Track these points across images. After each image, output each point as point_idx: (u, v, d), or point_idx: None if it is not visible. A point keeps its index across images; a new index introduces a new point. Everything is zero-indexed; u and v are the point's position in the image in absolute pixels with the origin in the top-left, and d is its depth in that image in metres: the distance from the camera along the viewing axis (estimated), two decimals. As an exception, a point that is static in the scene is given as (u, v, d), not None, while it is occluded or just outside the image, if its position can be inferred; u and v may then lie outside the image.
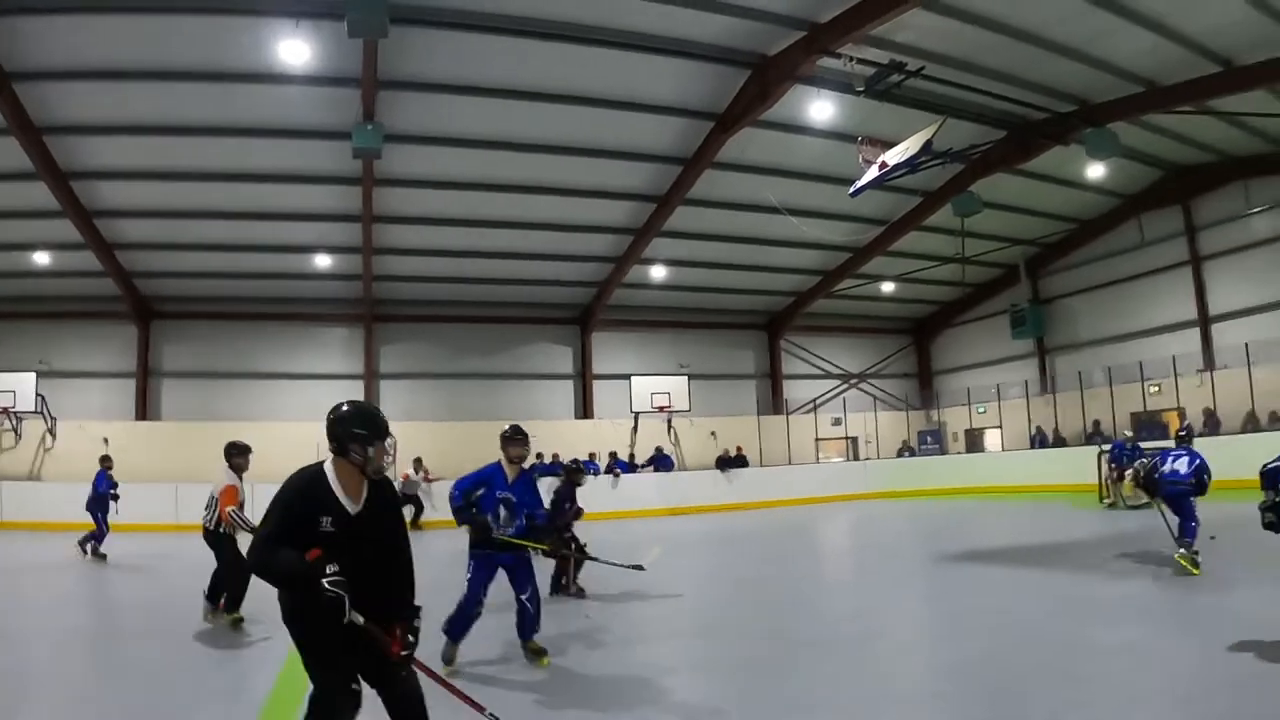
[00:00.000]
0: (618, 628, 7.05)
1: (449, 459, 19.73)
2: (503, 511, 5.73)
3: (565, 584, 8.62)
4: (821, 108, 15.47)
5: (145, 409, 20.69)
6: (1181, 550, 7.99)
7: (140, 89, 13.89)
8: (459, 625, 5.57)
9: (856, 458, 25.57)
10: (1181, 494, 8.27)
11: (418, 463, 19.15)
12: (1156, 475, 8.52)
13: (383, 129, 14.41)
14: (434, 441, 20.37)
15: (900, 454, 25.27)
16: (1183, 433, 9.15)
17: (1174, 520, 8.30)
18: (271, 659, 5.74)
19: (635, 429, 20.90)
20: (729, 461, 21.84)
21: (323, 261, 20.08)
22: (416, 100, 14.86)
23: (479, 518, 5.68)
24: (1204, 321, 20.13)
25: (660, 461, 21.14)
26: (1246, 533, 9.72)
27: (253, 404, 21.08)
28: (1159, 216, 20.96)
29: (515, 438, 5.84)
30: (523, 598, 5.72)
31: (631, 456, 21.32)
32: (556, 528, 8.02)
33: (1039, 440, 22.14)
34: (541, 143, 16.42)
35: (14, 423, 18.74)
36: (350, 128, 14.37)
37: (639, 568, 8.03)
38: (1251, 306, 19.00)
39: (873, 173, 13.54)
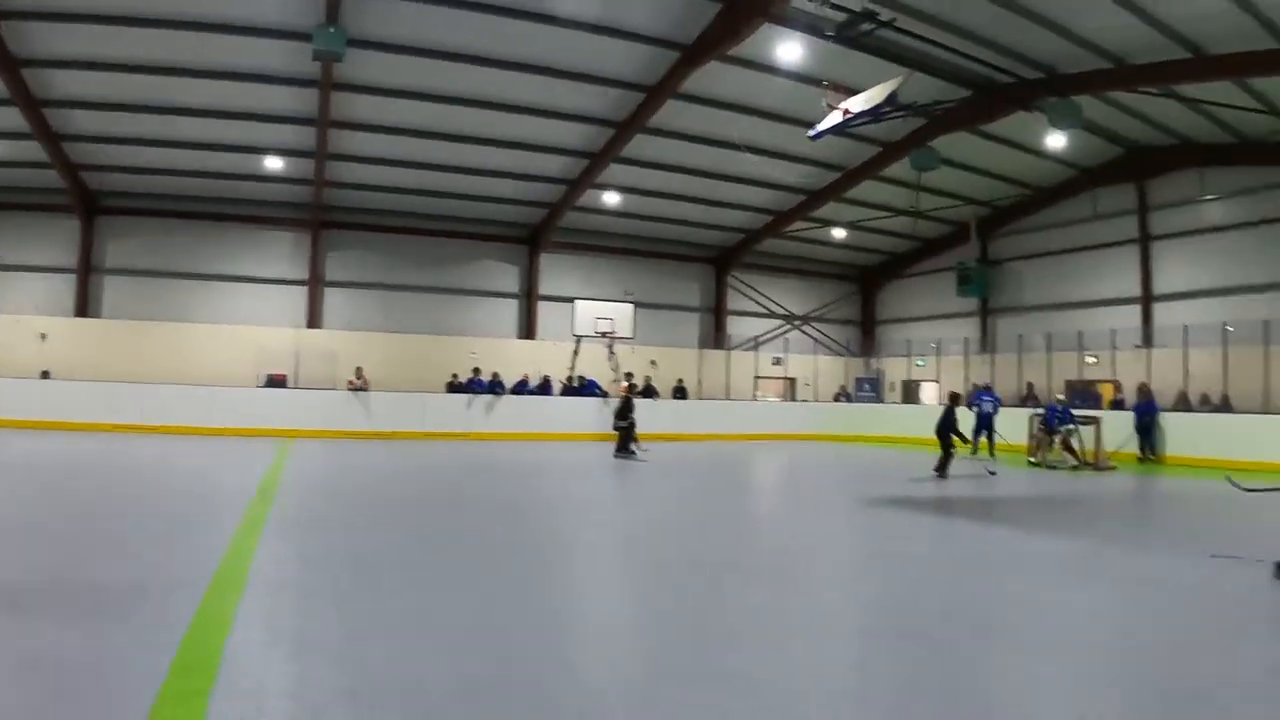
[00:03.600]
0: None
1: (387, 370, 20.12)
2: None
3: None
4: (790, 48, 15.38)
5: (85, 306, 20.09)
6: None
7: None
8: None
9: (794, 398, 26.25)
10: None
11: (358, 371, 19.14)
12: None
13: (346, 33, 14.08)
14: (373, 351, 20.54)
15: (837, 398, 26.09)
16: None
17: None
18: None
19: (576, 352, 20.97)
20: (678, 392, 22.83)
21: (274, 163, 19.61)
22: (383, 5, 14.45)
23: None
24: (1147, 299, 20.90)
25: (588, 388, 21.41)
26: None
27: (195, 306, 20.81)
28: (1113, 192, 21.54)
29: None
30: None
31: (569, 379, 21.59)
32: None
33: (975, 398, 22.84)
34: (507, 59, 16.19)
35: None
36: (312, 28, 14.01)
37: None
38: (1194, 290, 19.77)
39: (835, 118, 13.61)
